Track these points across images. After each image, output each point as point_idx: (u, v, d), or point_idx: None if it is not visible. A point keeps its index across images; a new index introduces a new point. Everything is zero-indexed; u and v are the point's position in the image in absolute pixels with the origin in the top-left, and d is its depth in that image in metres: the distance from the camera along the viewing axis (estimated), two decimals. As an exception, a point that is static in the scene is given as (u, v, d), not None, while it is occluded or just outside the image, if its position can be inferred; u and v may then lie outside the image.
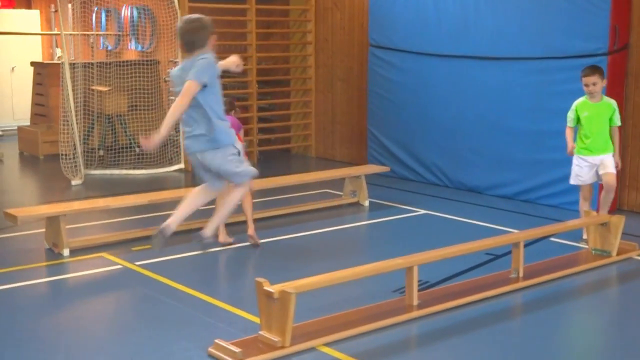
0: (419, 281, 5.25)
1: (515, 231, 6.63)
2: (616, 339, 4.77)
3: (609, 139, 6.58)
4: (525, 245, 6.01)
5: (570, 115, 6.62)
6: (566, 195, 7.97)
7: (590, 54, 7.65)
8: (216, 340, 4.34)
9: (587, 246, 6.40)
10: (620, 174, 7.88)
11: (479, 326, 4.87)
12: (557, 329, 4.84)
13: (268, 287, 4.39)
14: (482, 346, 4.55)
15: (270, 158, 11.31)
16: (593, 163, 6.54)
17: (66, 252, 6.22)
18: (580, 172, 6.59)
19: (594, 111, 6.52)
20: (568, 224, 6.48)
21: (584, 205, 6.65)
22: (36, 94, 12.83)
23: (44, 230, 6.48)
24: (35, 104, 12.89)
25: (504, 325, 4.94)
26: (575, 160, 6.62)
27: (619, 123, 6.62)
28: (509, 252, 5.76)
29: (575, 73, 7.77)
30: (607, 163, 6.52)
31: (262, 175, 7.95)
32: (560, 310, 5.20)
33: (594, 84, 6.45)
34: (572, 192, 7.92)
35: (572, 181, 6.68)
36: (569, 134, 6.65)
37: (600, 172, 6.51)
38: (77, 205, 6.86)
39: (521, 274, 5.58)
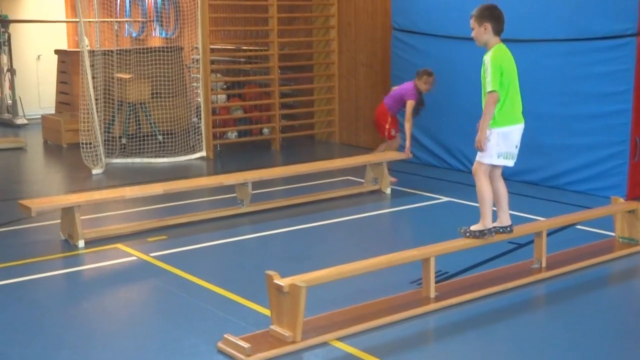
0: (438, 272, 5.11)
1: (540, 219, 6.42)
2: (642, 332, 4.58)
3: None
4: (550, 234, 5.82)
5: None
6: (595, 181, 7.76)
7: (618, 35, 7.39)
8: (225, 335, 4.23)
9: None
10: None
11: (498, 319, 4.70)
12: (580, 321, 4.65)
13: (278, 281, 4.27)
14: (500, 340, 4.39)
15: (293, 144, 11.17)
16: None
17: (81, 243, 6.15)
18: None
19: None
20: (594, 212, 6.24)
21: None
22: (60, 82, 12.82)
23: (59, 221, 6.43)
24: (59, 92, 12.90)
25: (525, 318, 4.75)
26: None
27: (489, 87, 4.96)
28: (533, 241, 5.57)
29: (604, 55, 7.58)
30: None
31: (285, 162, 7.87)
32: (584, 301, 5.00)
33: (472, 29, 5.06)
34: (601, 178, 7.72)
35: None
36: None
37: None
38: (91, 195, 6.76)
39: (544, 264, 5.39)
